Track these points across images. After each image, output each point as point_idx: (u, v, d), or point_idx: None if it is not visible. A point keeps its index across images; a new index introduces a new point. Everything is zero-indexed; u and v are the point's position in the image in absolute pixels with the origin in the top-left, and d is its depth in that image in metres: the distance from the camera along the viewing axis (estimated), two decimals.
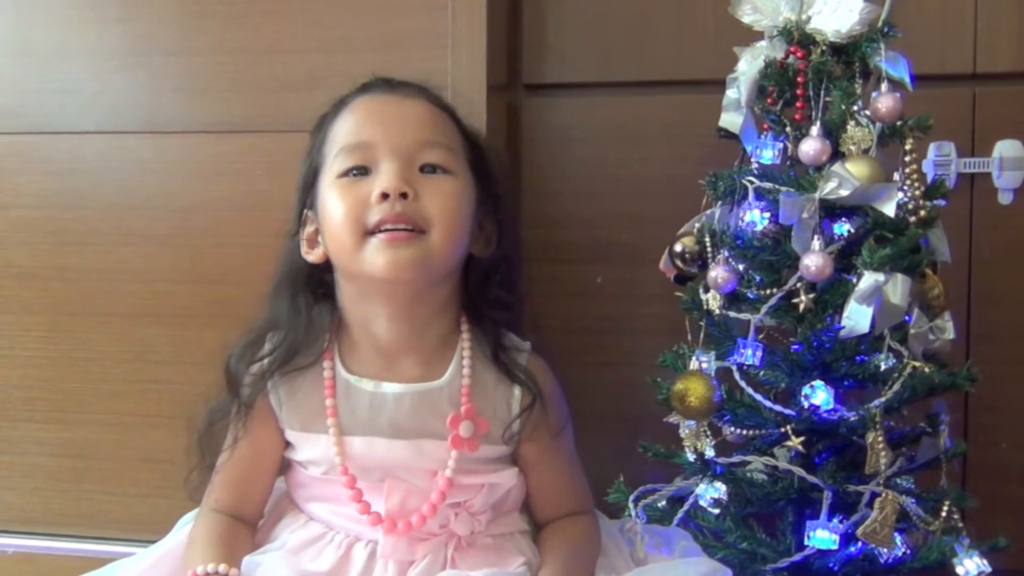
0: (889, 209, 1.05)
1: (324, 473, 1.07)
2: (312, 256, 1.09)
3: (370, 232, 1.02)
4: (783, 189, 1.07)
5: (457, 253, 1.06)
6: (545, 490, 1.11)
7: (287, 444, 1.11)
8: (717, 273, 1.10)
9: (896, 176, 1.10)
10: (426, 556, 1.03)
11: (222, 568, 1.01)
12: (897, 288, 1.05)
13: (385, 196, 1.01)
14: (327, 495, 1.07)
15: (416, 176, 1.03)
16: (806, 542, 1.07)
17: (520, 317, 1.13)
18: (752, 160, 1.13)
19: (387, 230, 1.01)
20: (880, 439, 1.07)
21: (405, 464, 1.05)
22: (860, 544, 1.09)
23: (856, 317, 1.04)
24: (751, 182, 1.09)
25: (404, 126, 1.05)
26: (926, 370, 1.09)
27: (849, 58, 1.10)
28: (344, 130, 1.06)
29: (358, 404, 1.06)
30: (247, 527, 1.10)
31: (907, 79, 1.08)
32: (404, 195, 1.01)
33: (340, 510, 1.06)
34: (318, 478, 1.08)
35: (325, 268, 1.09)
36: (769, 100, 1.12)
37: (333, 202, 1.04)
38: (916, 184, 1.11)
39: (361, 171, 1.04)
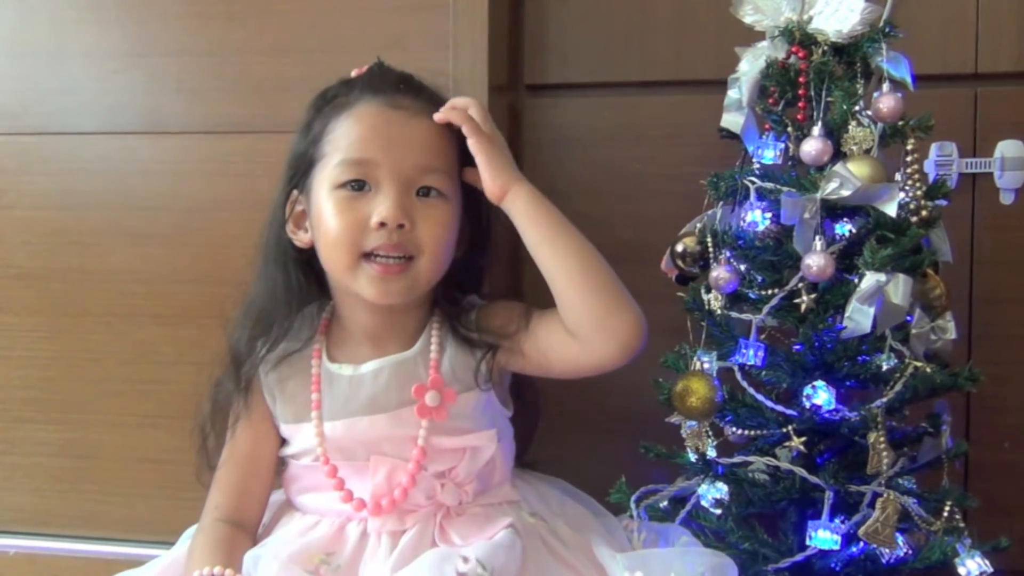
0: (891, 209, 1.05)
1: (314, 461, 1.09)
2: (299, 240, 1.11)
3: (365, 255, 1.05)
4: (785, 189, 1.07)
5: (442, 272, 1.09)
6: (547, 321, 1.09)
7: (283, 442, 1.13)
8: (719, 273, 1.10)
9: (898, 176, 1.10)
10: (415, 525, 1.06)
11: (216, 571, 1.02)
12: (899, 288, 1.04)
13: (383, 224, 1.04)
14: (318, 484, 1.09)
15: (412, 201, 1.06)
16: (808, 542, 1.07)
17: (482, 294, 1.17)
18: (754, 160, 1.13)
19: (381, 258, 1.04)
20: (882, 439, 1.07)
21: (388, 437, 1.07)
22: (862, 544, 1.09)
23: (858, 317, 1.04)
24: (753, 182, 1.09)
25: (408, 149, 1.06)
26: (928, 370, 1.08)
27: (851, 58, 1.10)
28: (347, 140, 1.07)
29: (339, 390, 1.09)
30: (247, 535, 1.11)
31: (908, 79, 1.08)
32: (401, 225, 1.04)
33: (330, 496, 1.08)
34: (308, 466, 1.10)
35: (312, 253, 1.11)
36: (771, 100, 1.11)
37: (330, 215, 1.06)
38: (918, 184, 1.11)
39: (360, 185, 1.06)
